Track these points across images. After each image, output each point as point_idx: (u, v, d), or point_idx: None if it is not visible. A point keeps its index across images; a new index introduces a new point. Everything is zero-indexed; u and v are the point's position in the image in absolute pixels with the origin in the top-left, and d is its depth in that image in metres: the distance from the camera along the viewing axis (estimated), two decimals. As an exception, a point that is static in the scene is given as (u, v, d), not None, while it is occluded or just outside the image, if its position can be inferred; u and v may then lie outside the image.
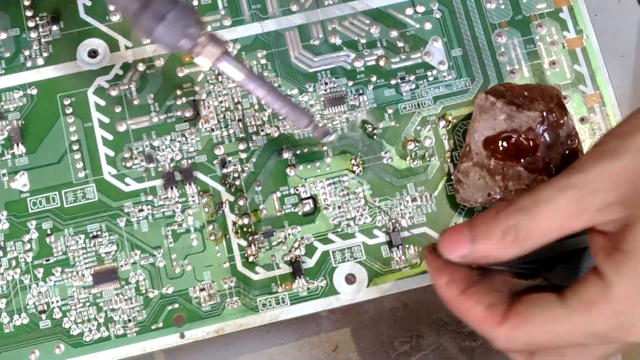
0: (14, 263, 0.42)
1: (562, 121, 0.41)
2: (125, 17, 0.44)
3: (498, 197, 0.40)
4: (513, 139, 0.41)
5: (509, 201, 0.35)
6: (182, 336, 0.41)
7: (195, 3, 0.45)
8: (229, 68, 0.38)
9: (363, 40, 0.45)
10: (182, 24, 0.37)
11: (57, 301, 0.41)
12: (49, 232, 0.42)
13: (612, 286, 0.33)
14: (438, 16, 0.45)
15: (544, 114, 0.40)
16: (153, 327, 0.41)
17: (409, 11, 0.45)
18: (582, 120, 0.44)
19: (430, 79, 0.44)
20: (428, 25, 0.45)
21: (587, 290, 0.34)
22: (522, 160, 0.40)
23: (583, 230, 0.35)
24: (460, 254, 0.35)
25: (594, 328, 0.34)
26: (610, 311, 0.33)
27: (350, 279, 0.42)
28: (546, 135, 0.40)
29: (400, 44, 0.45)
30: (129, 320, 0.41)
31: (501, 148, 0.41)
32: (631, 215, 0.33)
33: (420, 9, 0.45)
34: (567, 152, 0.40)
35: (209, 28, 0.44)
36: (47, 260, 0.42)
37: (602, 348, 0.36)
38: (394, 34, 0.45)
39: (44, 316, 0.41)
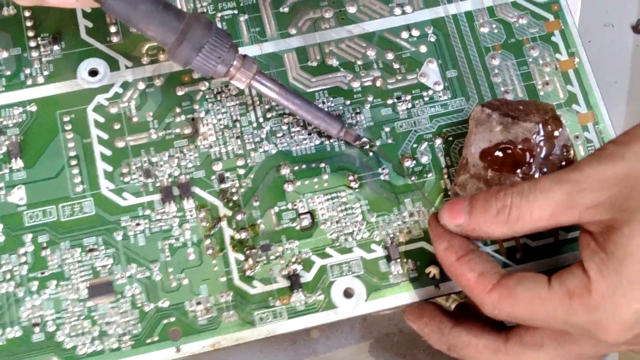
0: (8, 276, 0.41)
1: (557, 132, 0.41)
2: (126, 39, 0.45)
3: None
4: (509, 150, 0.41)
5: (512, 184, 0.37)
6: (178, 350, 0.40)
7: (195, 26, 0.46)
8: (262, 87, 0.42)
9: (359, 62, 0.46)
10: (218, 52, 0.40)
11: (51, 314, 0.41)
12: (44, 245, 0.42)
13: (593, 282, 0.34)
14: (433, 40, 0.46)
15: (540, 125, 0.41)
16: (148, 341, 0.40)
17: (404, 35, 0.46)
18: (576, 137, 0.44)
19: (426, 98, 0.45)
20: (423, 48, 0.46)
21: (571, 281, 0.35)
22: (518, 171, 0.41)
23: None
24: (456, 222, 0.38)
25: (571, 318, 0.35)
26: (588, 305, 0.34)
27: (348, 293, 0.42)
28: (542, 145, 0.41)
29: (396, 66, 0.45)
30: (124, 334, 0.41)
31: (498, 159, 0.41)
32: (617, 218, 0.34)
33: (416, 32, 0.46)
34: (563, 162, 0.41)
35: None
36: (42, 273, 0.41)
37: (576, 350, 0.37)
38: (390, 56, 0.46)
39: (37, 329, 0.40)
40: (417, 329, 0.41)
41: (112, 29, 0.46)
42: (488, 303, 0.37)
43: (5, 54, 0.45)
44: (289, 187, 0.43)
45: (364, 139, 0.44)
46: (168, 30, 0.40)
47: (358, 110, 0.45)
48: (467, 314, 0.41)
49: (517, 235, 0.37)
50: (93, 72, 0.45)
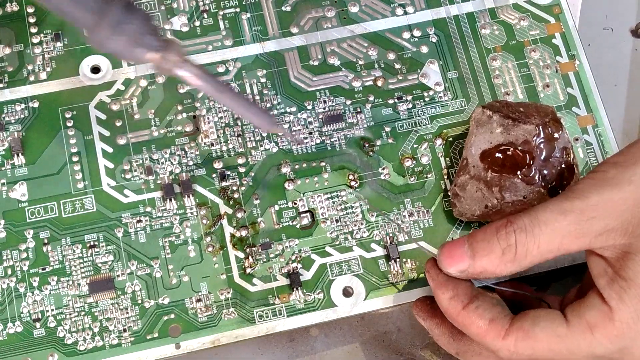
0: (9, 271, 0.41)
1: (557, 135, 0.41)
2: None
3: (495, 209, 0.41)
4: (509, 151, 0.41)
5: (508, 219, 0.36)
6: (178, 347, 0.41)
7: (197, 24, 0.46)
8: (188, 76, 0.37)
9: (361, 62, 0.46)
10: (137, 34, 0.36)
11: (52, 310, 0.41)
12: (46, 241, 0.42)
13: (615, 311, 0.34)
14: (434, 40, 0.46)
15: (540, 127, 0.41)
16: (148, 337, 0.41)
17: (406, 35, 0.46)
18: (576, 140, 0.44)
19: (427, 99, 0.45)
20: (424, 49, 0.46)
21: (591, 313, 0.35)
22: (518, 172, 0.41)
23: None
24: (459, 268, 0.36)
25: (595, 350, 0.35)
26: (612, 335, 0.34)
27: (347, 291, 0.42)
28: (542, 147, 0.41)
29: (397, 66, 0.46)
30: (124, 330, 0.41)
31: (498, 160, 0.41)
32: (633, 243, 0.34)
33: (417, 33, 0.46)
34: (562, 164, 0.41)
35: (209, 48, 0.45)
36: (43, 269, 0.41)
37: None
38: (391, 56, 0.46)
39: (38, 324, 0.41)
40: (426, 326, 0.40)
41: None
42: (504, 349, 0.36)
43: (8, 50, 0.45)
44: (289, 186, 0.43)
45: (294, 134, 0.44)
46: (84, 10, 0.35)
47: (359, 110, 0.45)
48: None
49: (526, 269, 0.36)
50: (95, 69, 0.45)
